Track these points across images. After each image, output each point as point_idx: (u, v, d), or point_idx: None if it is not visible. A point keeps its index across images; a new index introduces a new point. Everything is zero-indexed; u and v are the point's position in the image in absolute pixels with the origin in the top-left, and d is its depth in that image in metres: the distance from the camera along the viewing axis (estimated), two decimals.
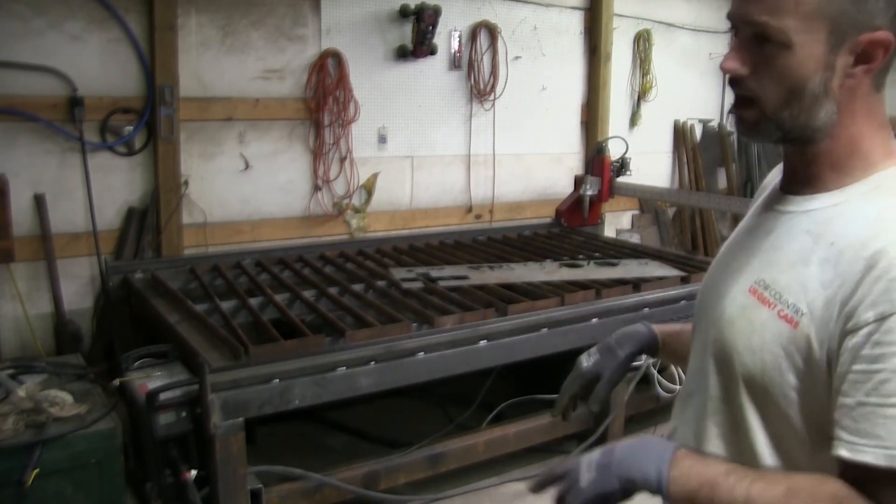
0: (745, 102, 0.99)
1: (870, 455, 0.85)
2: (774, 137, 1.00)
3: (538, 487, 1.07)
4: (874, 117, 0.98)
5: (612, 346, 1.31)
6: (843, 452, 0.87)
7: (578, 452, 3.30)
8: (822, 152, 0.98)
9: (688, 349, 1.19)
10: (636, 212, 5.98)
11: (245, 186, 4.13)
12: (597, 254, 4.16)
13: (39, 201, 3.53)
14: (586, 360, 1.32)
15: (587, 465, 1.01)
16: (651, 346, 1.33)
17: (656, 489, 0.96)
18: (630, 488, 0.98)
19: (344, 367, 2.59)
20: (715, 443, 1.06)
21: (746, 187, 6.54)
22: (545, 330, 3.07)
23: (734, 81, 0.99)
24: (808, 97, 0.94)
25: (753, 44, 0.96)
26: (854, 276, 0.89)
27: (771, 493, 0.90)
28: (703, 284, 1.19)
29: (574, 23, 5.32)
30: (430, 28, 4.37)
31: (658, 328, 1.35)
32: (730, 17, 0.99)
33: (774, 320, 0.95)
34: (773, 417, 0.98)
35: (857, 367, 0.87)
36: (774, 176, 1.16)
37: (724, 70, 0.99)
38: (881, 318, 0.85)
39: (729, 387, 1.03)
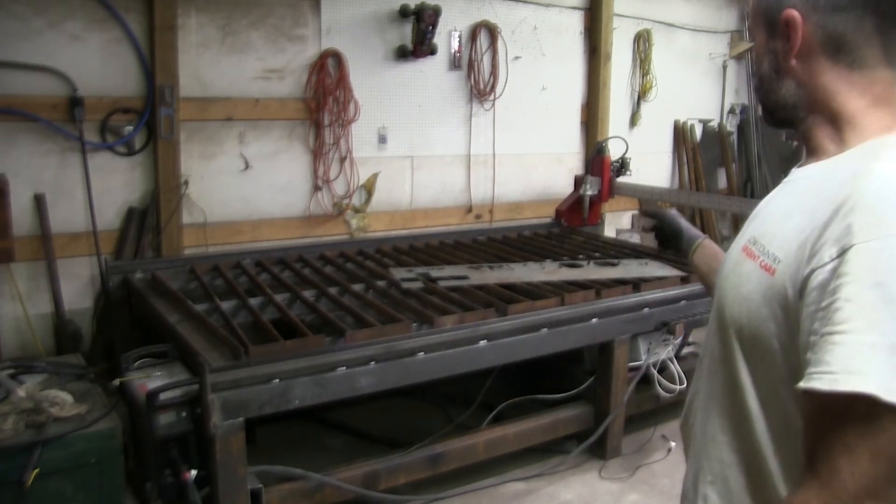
0: None
1: (816, 381, 0.86)
2: (765, 116, 1.15)
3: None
4: (863, 95, 1.02)
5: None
6: (801, 384, 0.88)
7: (578, 452, 3.32)
8: (813, 127, 1.07)
9: (713, 268, 1.43)
10: (636, 212, 5.98)
11: (245, 186, 4.13)
12: (597, 254, 4.16)
13: (39, 201, 3.54)
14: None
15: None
16: (694, 237, 1.65)
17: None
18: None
19: (344, 367, 2.59)
20: (717, 403, 1.12)
21: (746, 187, 6.54)
22: (545, 330, 3.07)
23: None
24: (766, 80, 1.10)
25: None
26: (823, 220, 0.92)
27: None
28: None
29: (574, 23, 5.32)
30: (430, 28, 4.37)
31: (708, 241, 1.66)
32: None
33: (757, 271, 1.01)
34: (761, 375, 1.02)
35: (824, 303, 0.89)
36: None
37: None
38: (842, 252, 0.88)
39: (725, 343, 1.08)
